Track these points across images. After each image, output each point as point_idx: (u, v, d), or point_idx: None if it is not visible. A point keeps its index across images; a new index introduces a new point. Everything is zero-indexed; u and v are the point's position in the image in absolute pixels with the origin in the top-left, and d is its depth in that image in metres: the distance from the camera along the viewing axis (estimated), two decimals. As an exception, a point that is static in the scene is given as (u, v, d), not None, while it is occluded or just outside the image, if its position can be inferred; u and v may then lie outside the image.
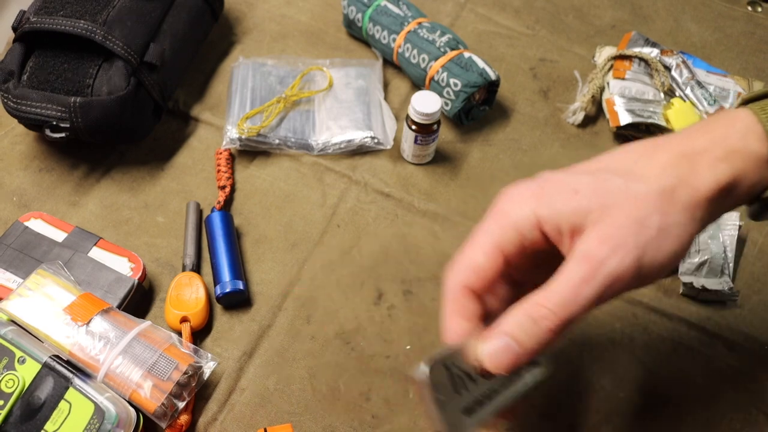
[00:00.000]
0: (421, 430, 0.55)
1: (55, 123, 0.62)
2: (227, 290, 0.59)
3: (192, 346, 0.55)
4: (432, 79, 0.72)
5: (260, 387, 0.56)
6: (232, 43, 0.81)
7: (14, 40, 0.65)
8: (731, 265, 0.63)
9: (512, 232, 0.40)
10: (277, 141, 0.71)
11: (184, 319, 0.58)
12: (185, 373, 0.52)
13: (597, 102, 0.77)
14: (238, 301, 0.61)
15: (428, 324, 0.60)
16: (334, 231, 0.66)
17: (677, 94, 0.75)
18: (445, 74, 0.71)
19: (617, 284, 0.37)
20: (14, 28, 0.65)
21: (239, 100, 0.73)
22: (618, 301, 0.62)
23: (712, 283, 0.61)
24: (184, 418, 0.53)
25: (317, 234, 0.66)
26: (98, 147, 0.70)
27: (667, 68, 0.76)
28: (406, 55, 0.74)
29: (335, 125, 0.72)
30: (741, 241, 0.66)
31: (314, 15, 0.85)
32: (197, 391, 0.54)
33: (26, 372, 0.50)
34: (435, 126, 0.67)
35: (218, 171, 0.68)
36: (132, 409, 0.50)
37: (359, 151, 0.72)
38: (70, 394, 0.49)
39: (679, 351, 0.60)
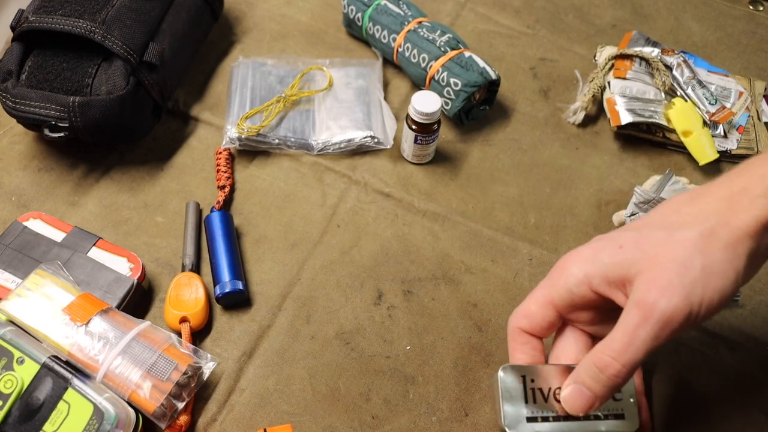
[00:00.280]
0: (421, 431, 0.55)
1: (54, 122, 0.62)
2: (227, 290, 0.59)
3: (191, 346, 0.55)
4: (432, 78, 0.72)
5: (260, 387, 0.56)
6: (232, 43, 0.81)
7: (13, 40, 0.65)
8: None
9: (563, 290, 0.46)
10: (276, 141, 0.70)
11: (183, 320, 0.58)
12: (185, 374, 0.52)
13: (598, 101, 0.77)
14: (238, 301, 0.61)
15: (428, 324, 0.60)
16: (334, 231, 0.66)
17: (678, 93, 0.75)
18: (445, 74, 0.70)
19: (670, 325, 0.40)
20: (13, 28, 0.65)
21: (239, 99, 0.73)
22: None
23: (714, 283, 0.61)
24: (183, 419, 0.52)
25: (317, 234, 0.66)
26: (97, 147, 0.70)
27: (668, 68, 0.76)
28: (406, 54, 0.74)
29: (335, 125, 0.72)
30: (742, 241, 0.66)
31: (314, 15, 0.85)
32: (197, 391, 0.54)
33: (25, 372, 0.50)
34: (435, 126, 0.67)
35: (218, 171, 0.68)
36: (131, 410, 0.50)
37: (359, 150, 0.72)
38: (69, 394, 0.49)
39: (679, 351, 0.60)
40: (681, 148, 0.73)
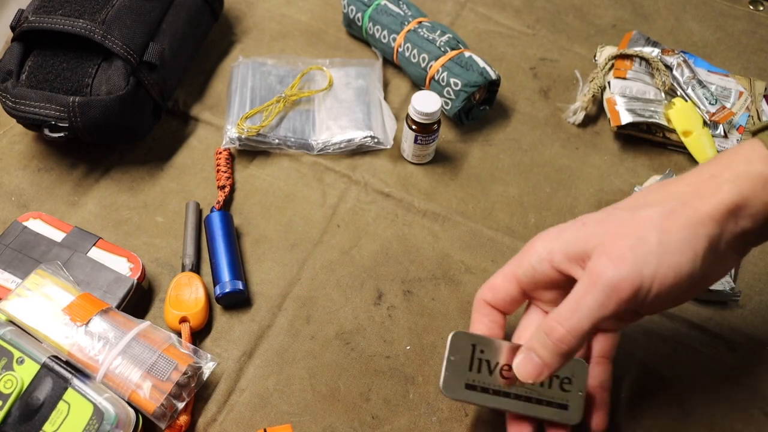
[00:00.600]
0: (421, 431, 0.55)
1: (53, 122, 0.62)
2: (227, 290, 0.59)
3: (191, 346, 0.55)
4: (432, 78, 0.72)
5: (260, 387, 0.56)
6: (232, 43, 0.81)
7: (13, 40, 0.65)
8: (732, 265, 0.63)
9: (526, 266, 0.46)
10: (276, 141, 0.70)
11: (183, 320, 0.58)
12: (185, 374, 0.52)
13: (598, 101, 0.77)
14: (238, 301, 0.61)
15: (428, 324, 0.60)
16: (334, 231, 0.66)
17: (678, 93, 0.75)
18: (445, 74, 0.70)
19: (617, 293, 0.40)
20: (13, 27, 0.65)
21: (239, 99, 0.73)
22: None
23: (714, 284, 0.61)
24: (183, 419, 0.52)
25: (317, 234, 0.66)
26: (97, 147, 0.70)
27: (668, 68, 0.76)
28: (406, 54, 0.74)
29: (335, 125, 0.72)
30: (742, 241, 0.66)
31: (314, 14, 0.85)
32: (197, 391, 0.54)
33: (25, 372, 0.50)
34: (435, 126, 0.67)
35: (218, 171, 0.68)
36: (131, 410, 0.50)
37: (359, 150, 0.72)
38: (69, 394, 0.49)
39: (680, 351, 0.60)
40: (681, 148, 0.73)
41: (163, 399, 0.50)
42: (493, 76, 0.71)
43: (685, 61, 0.76)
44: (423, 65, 0.73)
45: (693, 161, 0.72)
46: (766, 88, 0.77)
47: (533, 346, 0.44)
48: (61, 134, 0.62)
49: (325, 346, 0.59)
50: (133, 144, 0.71)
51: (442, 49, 0.72)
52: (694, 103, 0.73)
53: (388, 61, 0.79)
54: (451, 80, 0.70)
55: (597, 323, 0.41)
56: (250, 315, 0.60)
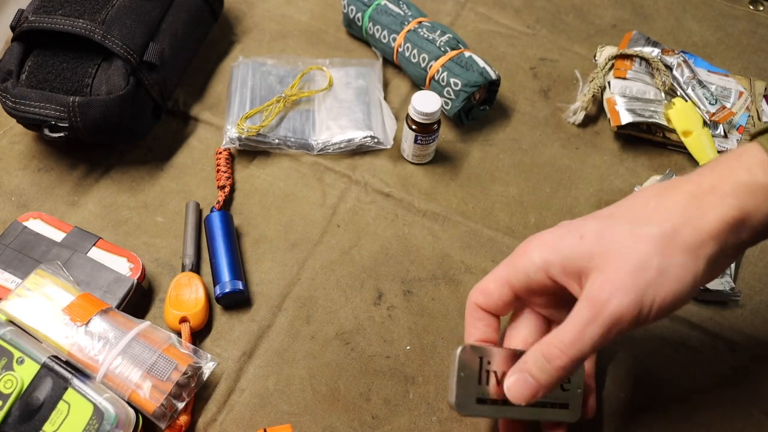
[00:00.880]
0: (421, 431, 0.55)
1: (53, 122, 0.62)
2: (227, 290, 0.59)
3: (191, 346, 0.55)
4: (432, 78, 0.72)
5: (260, 387, 0.56)
6: (232, 43, 0.81)
7: (13, 39, 0.65)
8: (733, 265, 0.63)
9: (521, 273, 0.46)
10: (276, 141, 0.70)
11: (183, 320, 0.58)
12: (185, 374, 0.52)
13: (598, 101, 0.77)
14: (238, 301, 0.61)
15: (428, 324, 0.60)
16: (334, 231, 0.66)
17: (678, 93, 0.75)
18: (445, 74, 0.70)
19: (619, 324, 0.40)
20: (13, 27, 0.65)
21: (239, 99, 0.73)
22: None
23: (714, 284, 0.61)
24: (183, 419, 0.52)
25: (317, 234, 0.66)
26: (97, 147, 0.70)
27: (669, 68, 0.76)
28: (406, 54, 0.74)
29: (335, 125, 0.72)
30: (742, 241, 0.66)
31: (314, 15, 0.85)
32: (197, 391, 0.54)
33: (25, 372, 0.50)
34: (435, 126, 0.67)
35: (218, 171, 0.68)
36: (131, 410, 0.50)
37: (359, 150, 0.72)
38: (69, 394, 0.49)
39: (680, 351, 0.60)
40: (681, 148, 0.73)
41: (163, 399, 0.50)
42: (493, 76, 0.71)
43: (685, 61, 0.76)
44: (423, 65, 0.73)
45: (693, 161, 0.72)
46: (766, 88, 0.77)
47: (529, 369, 0.43)
48: (61, 134, 0.62)
49: (325, 346, 0.59)
50: (133, 144, 0.71)
51: (442, 49, 0.72)
52: (694, 103, 0.73)
53: (388, 61, 0.79)
54: (451, 80, 0.70)
55: (598, 348, 0.42)
56: (250, 315, 0.60)
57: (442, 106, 0.70)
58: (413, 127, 0.67)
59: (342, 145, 0.71)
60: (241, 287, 0.59)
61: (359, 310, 0.61)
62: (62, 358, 0.51)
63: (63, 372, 0.50)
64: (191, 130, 0.73)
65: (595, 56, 0.81)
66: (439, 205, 0.68)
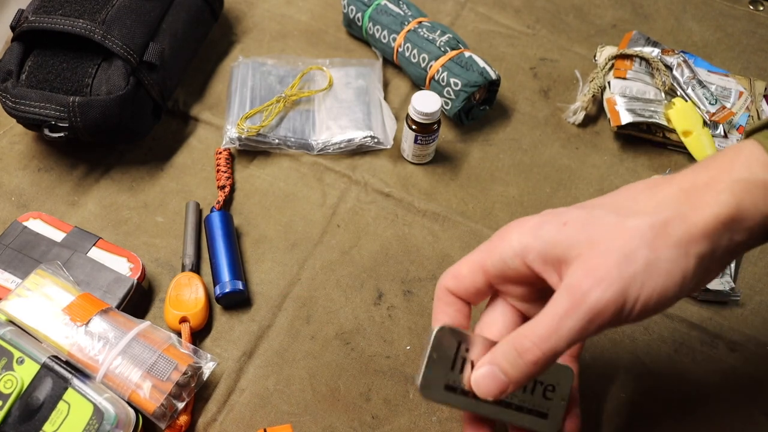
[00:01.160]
0: (421, 431, 0.55)
1: (53, 122, 0.62)
2: (227, 290, 0.59)
3: (191, 346, 0.55)
4: (432, 78, 0.72)
5: (260, 387, 0.56)
6: (232, 43, 0.81)
7: (13, 39, 0.65)
8: (733, 265, 0.63)
9: (496, 258, 0.42)
10: (276, 141, 0.70)
11: (183, 320, 0.58)
12: (185, 374, 0.52)
13: (598, 101, 0.77)
14: (238, 301, 0.61)
15: (428, 324, 0.60)
16: (334, 231, 0.66)
17: (678, 93, 0.75)
18: (445, 74, 0.70)
19: (600, 318, 0.37)
20: (13, 27, 0.65)
21: (239, 99, 0.73)
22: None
23: (714, 284, 0.61)
24: (183, 419, 0.52)
25: (317, 234, 0.66)
26: (97, 147, 0.70)
27: (668, 68, 0.76)
28: (406, 54, 0.74)
29: (335, 125, 0.72)
30: (742, 241, 0.66)
31: (314, 14, 0.85)
32: (197, 391, 0.54)
33: (25, 372, 0.50)
34: (435, 126, 0.67)
35: (218, 171, 0.68)
36: (131, 410, 0.50)
37: (359, 150, 0.72)
38: (69, 394, 0.49)
39: (680, 351, 0.60)
40: (681, 148, 0.73)
41: (163, 399, 0.50)
42: (493, 76, 0.71)
43: (685, 61, 0.76)
44: (423, 65, 0.73)
45: (693, 161, 0.72)
46: (766, 88, 0.77)
47: (499, 362, 0.40)
48: (61, 134, 0.62)
49: (325, 346, 0.59)
50: (133, 144, 0.71)
51: (442, 49, 0.72)
52: (694, 103, 0.73)
53: (388, 61, 0.79)
54: (451, 80, 0.70)
55: (574, 344, 0.38)
56: (250, 315, 0.60)
57: (442, 106, 0.70)
58: (413, 127, 0.67)
59: (342, 145, 0.71)
60: (241, 287, 0.59)
61: (359, 310, 0.61)
62: (62, 358, 0.51)
63: (63, 372, 0.50)
64: (191, 130, 0.73)
65: (595, 56, 0.81)
66: (439, 205, 0.68)
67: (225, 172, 0.68)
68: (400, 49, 0.75)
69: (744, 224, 0.38)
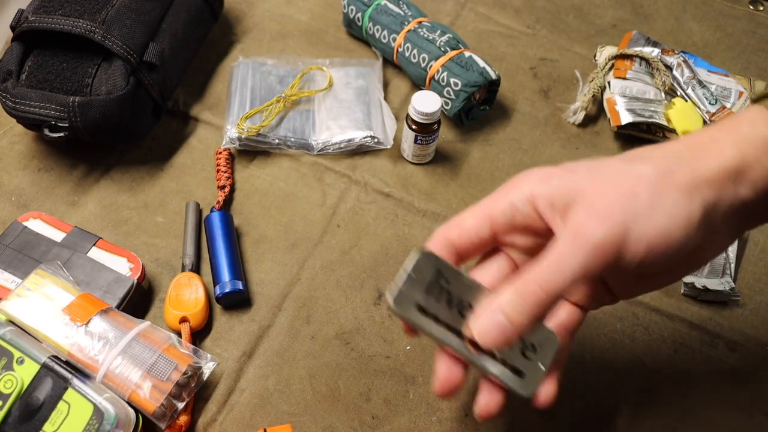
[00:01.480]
0: (421, 431, 0.55)
1: (53, 122, 0.62)
2: (227, 290, 0.59)
3: (191, 346, 0.55)
4: (432, 78, 0.72)
5: (260, 387, 0.56)
6: (232, 43, 0.81)
7: (13, 39, 0.65)
8: (733, 265, 0.63)
9: (506, 203, 0.41)
10: (276, 141, 0.70)
11: (183, 320, 0.58)
12: (184, 374, 0.52)
13: (598, 101, 0.77)
14: (238, 301, 0.61)
15: (428, 324, 0.60)
16: (334, 231, 0.66)
17: (678, 93, 0.75)
18: (445, 74, 0.70)
19: (603, 254, 0.37)
20: (13, 27, 0.65)
21: (239, 99, 0.73)
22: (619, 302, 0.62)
23: (714, 284, 0.61)
24: (183, 419, 0.52)
25: (317, 234, 0.66)
26: (97, 147, 0.70)
27: (669, 68, 0.76)
28: (406, 54, 0.74)
29: (335, 125, 0.72)
30: (742, 242, 0.66)
31: (314, 15, 0.85)
32: (197, 391, 0.54)
33: (25, 372, 0.50)
34: (435, 126, 0.67)
35: (218, 171, 0.68)
36: (131, 410, 0.50)
37: (359, 150, 0.72)
38: (69, 394, 0.49)
39: (680, 351, 0.60)
40: (681, 148, 0.73)
41: (163, 399, 0.50)
42: (493, 76, 0.71)
43: (685, 61, 0.76)
44: (423, 65, 0.73)
45: (693, 161, 0.72)
46: (766, 88, 0.77)
47: (503, 306, 0.38)
48: (61, 134, 0.62)
49: (325, 346, 0.59)
50: (133, 144, 0.71)
51: (442, 49, 0.72)
52: (694, 103, 0.73)
53: (388, 61, 0.79)
54: (451, 80, 0.70)
55: (577, 283, 0.38)
56: (250, 315, 0.60)
57: (442, 106, 0.70)
58: (413, 127, 0.67)
59: (342, 145, 0.71)
60: (241, 287, 0.59)
61: (359, 310, 0.61)
62: (62, 358, 0.51)
63: (63, 372, 0.50)
64: (191, 130, 0.73)
65: (595, 56, 0.81)
66: (439, 205, 0.68)
67: (225, 172, 0.68)
68: (400, 49, 0.75)
69: (748, 177, 0.38)
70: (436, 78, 0.71)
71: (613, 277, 0.42)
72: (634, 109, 0.72)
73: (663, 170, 0.38)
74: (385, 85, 0.78)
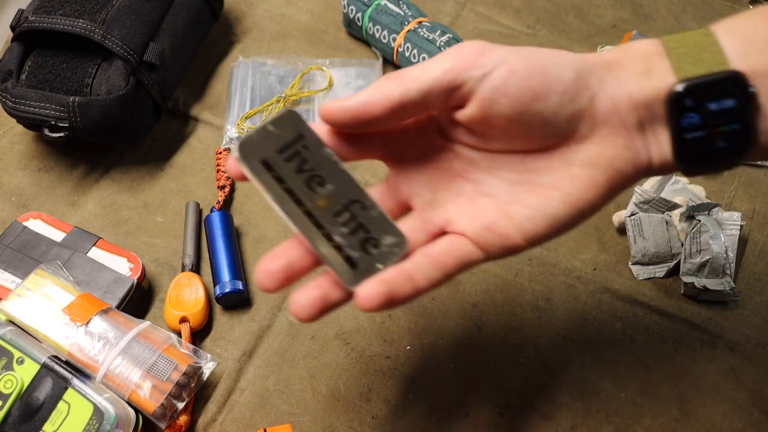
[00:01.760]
0: (421, 431, 0.55)
1: (53, 122, 0.62)
2: (227, 290, 0.59)
3: (191, 346, 0.55)
4: (432, 78, 0.72)
5: (260, 387, 0.56)
6: (232, 43, 0.81)
7: (13, 39, 0.65)
8: (732, 265, 0.63)
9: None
10: (276, 141, 0.70)
11: (183, 320, 0.58)
12: (185, 374, 0.52)
13: (598, 101, 0.77)
14: (238, 301, 0.61)
15: (428, 324, 0.60)
16: (334, 231, 0.66)
17: (678, 93, 0.75)
18: (445, 74, 0.70)
19: (465, 65, 0.35)
20: (12, 27, 0.65)
21: (239, 99, 0.73)
22: (618, 301, 0.62)
23: (714, 284, 0.61)
24: (183, 419, 0.52)
25: (317, 234, 0.66)
26: (97, 147, 0.70)
27: (668, 68, 0.76)
28: (407, 54, 0.74)
29: (335, 125, 0.72)
30: (742, 242, 0.66)
31: (314, 14, 0.85)
32: (197, 391, 0.54)
33: (25, 372, 0.50)
34: (435, 125, 0.67)
35: (218, 171, 0.68)
36: (131, 410, 0.50)
37: (359, 150, 0.72)
38: (69, 394, 0.49)
39: (680, 351, 0.60)
40: (681, 148, 0.73)
41: (163, 399, 0.50)
42: (493, 76, 0.71)
43: (685, 61, 0.76)
44: (423, 65, 0.73)
45: (693, 161, 0.72)
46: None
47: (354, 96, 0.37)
48: (61, 134, 0.62)
49: (325, 346, 0.59)
50: (133, 144, 0.71)
51: (442, 49, 0.72)
52: (694, 103, 0.73)
53: (388, 61, 0.79)
54: (451, 80, 0.70)
55: (431, 90, 0.36)
56: (250, 315, 0.60)
57: (442, 106, 0.69)
58: (413, 127, 0.67)
59: (342, 145, 0.71)
60: (241, 287, 0.59)
61: (359, 310, 0.61)
62: (62, 358, 0.51)
63: (63, 372, 0.50)
64: (191, 130, 0.73)
65: (595, 56, 0.81)
66: (439, 205, 0.68)
67: (225, 172, 0.68)
68: (400, 49, 0.75)
69: (618, 70, 0.36)
70: (436, 78, 0.71)
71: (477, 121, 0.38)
72: (634, 109, 0.72)
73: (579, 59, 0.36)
74: (385, 85, 0.78)
